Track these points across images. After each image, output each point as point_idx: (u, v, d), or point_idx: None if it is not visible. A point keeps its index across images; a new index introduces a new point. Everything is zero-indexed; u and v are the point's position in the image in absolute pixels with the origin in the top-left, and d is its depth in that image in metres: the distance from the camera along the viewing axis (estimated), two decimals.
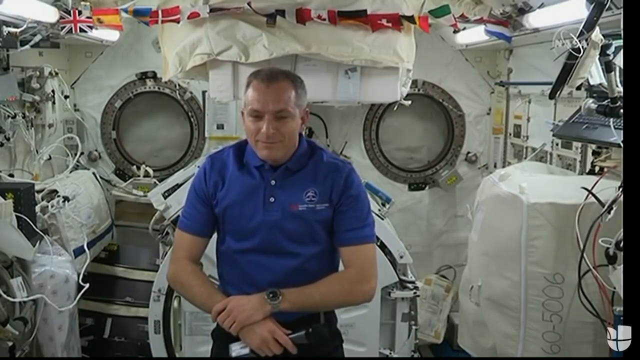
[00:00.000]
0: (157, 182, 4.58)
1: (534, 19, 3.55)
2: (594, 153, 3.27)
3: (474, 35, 4.33)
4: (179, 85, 4.92)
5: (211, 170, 2.23)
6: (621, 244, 2.24)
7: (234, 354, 2.07)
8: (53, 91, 4.28)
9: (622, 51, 2.48)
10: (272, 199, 2.16)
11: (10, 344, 2.81)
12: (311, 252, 2.19)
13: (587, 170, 3.34)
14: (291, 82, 2.14)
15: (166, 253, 3.68)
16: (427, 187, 5.28)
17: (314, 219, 2.17)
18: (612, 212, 2.42)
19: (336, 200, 2.18)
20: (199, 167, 2.27)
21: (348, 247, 2.18)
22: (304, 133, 2.31)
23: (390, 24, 3.42)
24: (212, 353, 2.41)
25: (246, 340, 2.05)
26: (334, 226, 2.20)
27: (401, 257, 3.66)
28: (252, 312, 2.04)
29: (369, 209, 2.27)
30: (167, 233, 3.84)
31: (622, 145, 2.46)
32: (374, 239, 2.27)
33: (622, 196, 2.33)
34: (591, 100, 2.83)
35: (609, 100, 2.70)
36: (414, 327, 3.78)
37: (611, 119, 2.72)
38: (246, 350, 2.06)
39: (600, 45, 2.52)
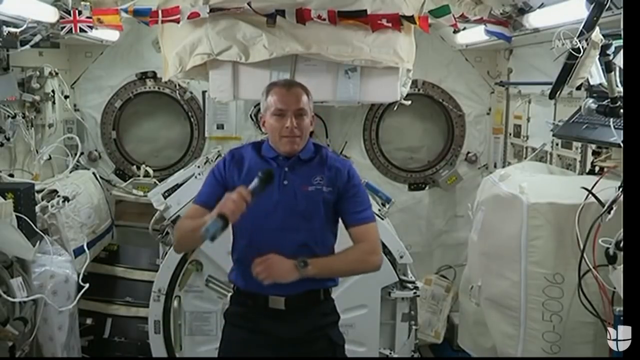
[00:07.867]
0: (157, 182, 4.58)
1: (534, 19, 3.55)
2: (594, 153, 3.26)
3: (474, 35, 4.32)
4: (179, 85, 4.92)
5: (231, 161, 2.61)
6: (621, 244, 2.25)
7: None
8: (53, 91, 4.28)
9: (622, 51, 2.48)
10: (285, 182, 2.54)
11: (10, 344, 2.82)
12: (313, 227, 2.54)
13: (587, 170, 3.33)
14: (304, 90, 2.60)
15: (166, 253, 3.68)
16: (427, 187, 5.27)
17: (320, 199, 2.54)
18: (612, 212, 2.43)
19: (341, 188, 2.57)
20: (223, 156, 2.67)
21: (357, 226, 2.56)
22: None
23: (390, 24, 3.43)
24: (224, 333, 2.71)
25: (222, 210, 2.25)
26: (342, 210, 2.58)
27: (401, 257, 3.66)
28: (284, 274, 2.39)
29: (368, 196, 2.71)
30: (167, 233, 3.84)
31: (622, 145, 2.46)
32: (375, 219, 2.63)
33: (622, 196, 2.34)
34: (591, 100, 2.84)
35: (609, 100, 2.70)
36: (414, 327, 3.78)
37: (611, 119, 2.72)
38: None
39: (600, 45, 2.52)
